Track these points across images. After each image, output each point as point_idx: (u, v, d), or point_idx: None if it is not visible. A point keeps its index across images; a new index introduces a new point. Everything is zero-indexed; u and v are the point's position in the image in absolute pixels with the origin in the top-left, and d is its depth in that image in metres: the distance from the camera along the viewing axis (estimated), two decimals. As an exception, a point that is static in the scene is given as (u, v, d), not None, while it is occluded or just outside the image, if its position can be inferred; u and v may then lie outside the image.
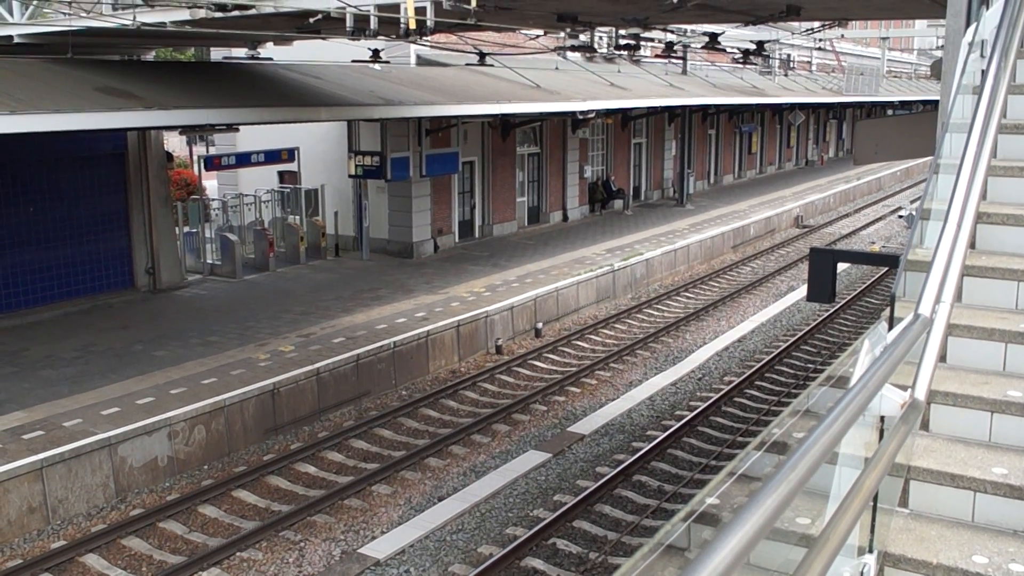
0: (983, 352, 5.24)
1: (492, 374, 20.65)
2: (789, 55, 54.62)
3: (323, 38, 19.99)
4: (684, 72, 42.01)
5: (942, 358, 5.10)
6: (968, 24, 7.12)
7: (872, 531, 3.92)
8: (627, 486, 15.16)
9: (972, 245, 5.53)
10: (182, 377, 17.38)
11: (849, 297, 27.34)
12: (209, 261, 26.91)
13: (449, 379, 20.36)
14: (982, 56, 6.38)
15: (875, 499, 3.73)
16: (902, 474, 4.50)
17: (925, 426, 4.96)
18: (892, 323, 4.23)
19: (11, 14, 18.74)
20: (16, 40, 19.20)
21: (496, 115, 28.19)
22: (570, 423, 18.01)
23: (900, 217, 39.32)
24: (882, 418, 3.84)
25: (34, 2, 18.42)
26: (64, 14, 18.07)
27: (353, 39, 16.76)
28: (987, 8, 6.96)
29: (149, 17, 16.86)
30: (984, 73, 5.66)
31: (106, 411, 15.57)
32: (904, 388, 3.80)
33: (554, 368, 21.44)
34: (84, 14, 17.49)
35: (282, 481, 15.50)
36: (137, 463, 14.94)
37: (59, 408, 15.75)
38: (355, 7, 14.59)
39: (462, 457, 16.52)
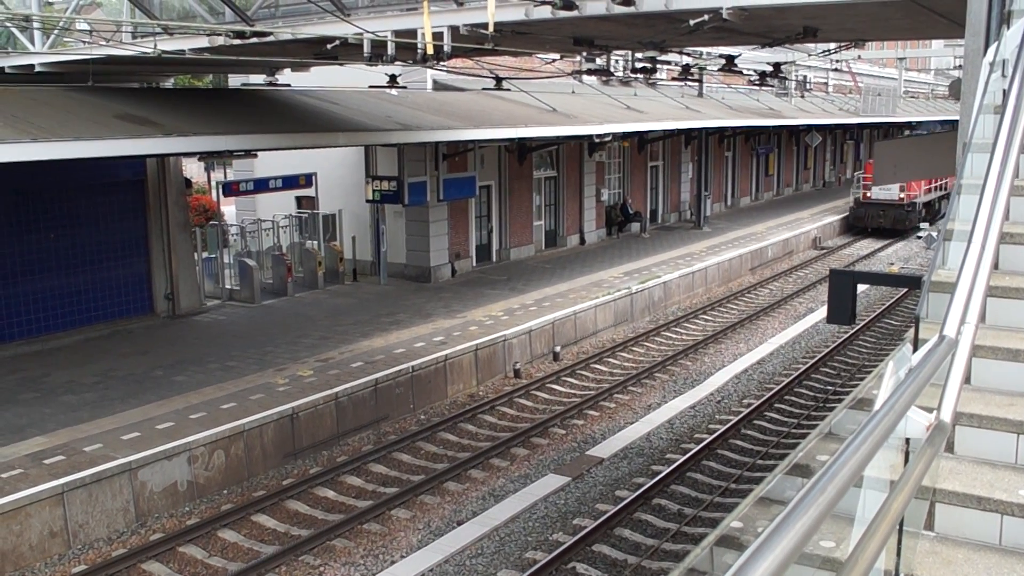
0: (1008, 373, 5.20)
1: (510, 398, 20.61)
2: (806, 76, 54.59)
3: (340, 64, 20.09)
4: (700, 94, 42.05)
5: (967, 379, 5.06)
6: (987, 44, 7.11)
7: (898, 554, 3.89)
8: (646, 510, 15.08)
9: (996, 265, 5.50)
10: (201, 402, 17.41)
11: (869, 319, 27.20)
12: (228, 286, 27.01)
13: (467, 403, 20.33)
14: (1003, 76, 6.36)
15: (901, 522, 3.70)
16: (928, 497, 4.46)
17: (950, 448, 4.92)
18: (917, 344, 4.21)
19: (33, 43, 18.92)
20: (37, 69, 19.37)
21: (513, 139, 28.27)
22: (589, 446, 17.94)
23: (919, 238, 39.23)
24: (907, 440, 3.81)
25: (55, 31, 18.59)
26: (84, 43, 18.26)
27: (370, 65, 16.85)
28: (1007, 27, 6.95)
29: (168, 45, 17.00)
30: (1006, 93, 5.64)
31: (126, 436, 15.60)
32: (929, 410, 3.77)
33: (572, 391, 21.38)
34: (104, 42, 17.65)
35: (301, 505, 15.48)
36: (157, 488, 14.96)
37: (80, 433, 15.80)
38: (372, 33, 14.68)
39: (481, 481, 16.47)
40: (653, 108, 34.94)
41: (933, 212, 45.31)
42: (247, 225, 29.35)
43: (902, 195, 42.47)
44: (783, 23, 14.67)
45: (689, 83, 36.21)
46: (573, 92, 33.41)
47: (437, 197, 28.32)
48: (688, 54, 26.54)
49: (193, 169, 40.69)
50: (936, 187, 45.75)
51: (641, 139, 38.32)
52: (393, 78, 21.41)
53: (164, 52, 16.46)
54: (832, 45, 20.26)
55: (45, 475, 13.99)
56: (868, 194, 43.24)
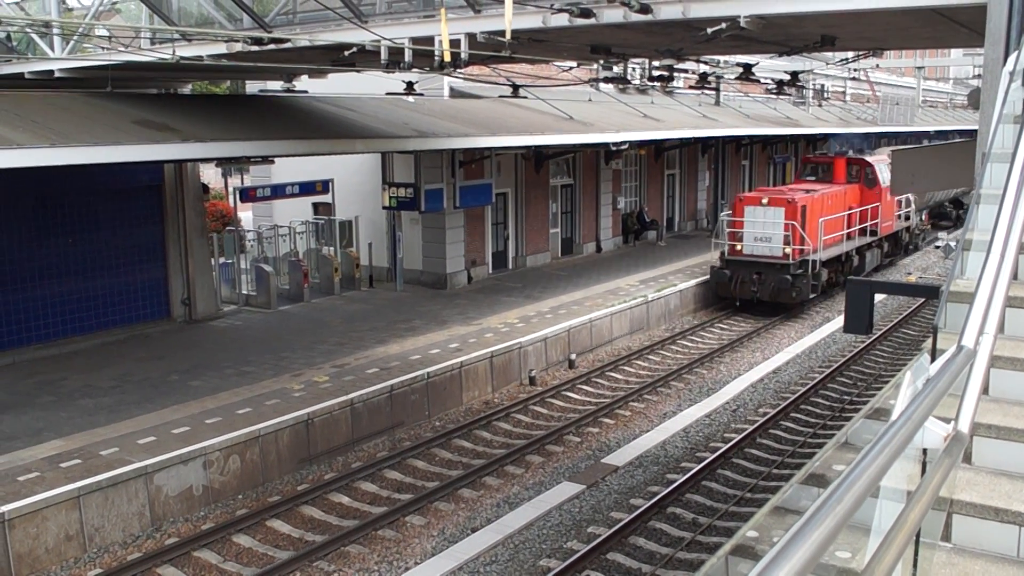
0: (1027, 384, 5.17)
1: (525, 405, 20.60)
2: (823, 85, 54.45)
3: (358, 71, 20.19)
4: (717, 103, 42.01)
5: (985, 390, 5.03)
6: (1007, 53, 7.08)
7: (915, 566, 3.87)
8: (661, 518, 15.03)
9: (1015, 276, 5.47)
10: (217, 407, 17.46)
11: (885, 328, 27.08)
12: (244, 292, 27.09)
13: (483, 410, 20.32)
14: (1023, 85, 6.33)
15: (918, 533, 3.68)
16: (945, 508, 4.44)
17: (968, 459, 4.89)
18: (935, 354, 4.19)
19: (52, 49, 19.04)
20: (57, 74, 19.49)
21: (529, 147, 28.29)
22: (604, 454, 17.91)
23: (937, 248, 38.94)
24: (924, 451, 3.79)
25: (75, 37, 18.70)
26: (104, 48, 18.36)
27: (387, 72, 16.90)
28: (1027, 37, 6.92)
29: (187, 51, 17.09)
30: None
31: (142, 440, 15.66)
32: (947, 420, 3.75)
33: (588, 399, 21.35)
34: (123, 48, 17.77)
35: (316, 511, 15.49)
36: (173, 492, 15.00)
37: (96, 437, 15.86)
38: (390, 40, 14.71)
39: (496, 488, 16.46)
40: (670, 116, 34.93)
41: (854, 270, 32.33)
42: (264, 231, 29.45)
43: (789, 248, 28.50)
44: (801, 31, 14.64)
45: (706, 91, 36.08)
46: (590, 100, 33.46)
47: (453, 204, 28.36)
48: (705, 62, 26.50)
49: (210, 175, 40.86)
50: (856, 233, 32.70)
51: (658, 147, 38.31)
52: (410, 85, 21.46)
53: (182, 58, 16.55)
54: (850, 54, 20.20)
55: (62, 478, 14.05)
56: (739, 247, 29.42)
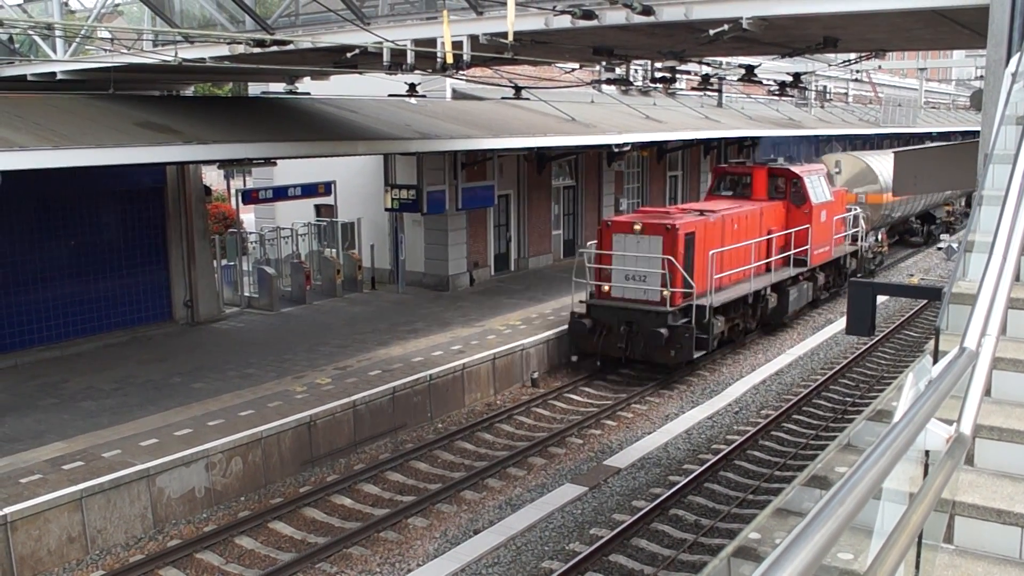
0: (1029, 386, 5.16)
1: (528, 407, 20.59)
2: (825, 87, 54.48)
3: (360, 73, 20.18)
4: (720, 104, 42.03)
5: (987, 392, 5.03)
6: (1009, 54, 7.07)
7: (917, 567, 3.86)
8: (663, 520, 15.02)
9: (1017, 277, 5.47)
10: (220, 409, 17.47)
11: (888, 330, 27.06)
12: (246, 294, 27.11)
13: (485, 412, 20.32)
14: (1025, 87, 6.33)
15: (920, 535, 3.68)
16: (947, 510, 4.43)
17: (970, 461, 4.89)
18: (937, 356, 4.19)
19: (55, 51, 19.07)
20: (59, 76, 19.54)
21: (532, 148, 28.30)
22: (606, 456, 17.90)
23: (939, 249, 38.81)
24: (927, 453, 3.79)
25: (77, 39, 18.73)
26: (106, 51, 18.38)
27: (390, 73, 16.92)
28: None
29: (189, 53, 17.11)
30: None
31: (145, 442, 15.66)
32: (949, 422, 3.75)
33: (590, 401, 21.34)
34: (125, 50, 17.77)
35: (318, 513, 15.49)
36: (175, 494, 15.00)
37: (99, 439, 15.87)
38: (392, 42, 14.72)
39: (498, 490, 16.45)
40: (672, 118, 34.94)
41: (770, 313, 26.13)
42: (266, 233, 29.47)
43: (668, 291, 21.83)
44: (803, 33, 14.65)
45: (708, 93, 36.19)
46: (592, 101, 33.47)
47: (456, 206, 28.38)
48: (708, 64, 26.55)
49: (212, 177, 40.91)
50: (778, 264, 26.54)
51: (660, 149, 38.29)
52: (412, 87, 21.48)
53: (185, 60, 16.58)
54: (852, 55, 20.20)
55: (64, 480, 14.05)
56: (607, 288, 22.81)
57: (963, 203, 47.30)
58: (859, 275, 31.67)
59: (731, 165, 30.55)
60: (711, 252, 22.35)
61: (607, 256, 22.70)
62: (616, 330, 22.06)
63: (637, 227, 22.11)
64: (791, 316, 27.47)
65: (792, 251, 26.62)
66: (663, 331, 21.38)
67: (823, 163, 32.83)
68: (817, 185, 28.16)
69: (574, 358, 23.12)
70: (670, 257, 21.65)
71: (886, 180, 34.02)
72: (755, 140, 41.97)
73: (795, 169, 27.83)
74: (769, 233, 26.00)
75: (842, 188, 32.21)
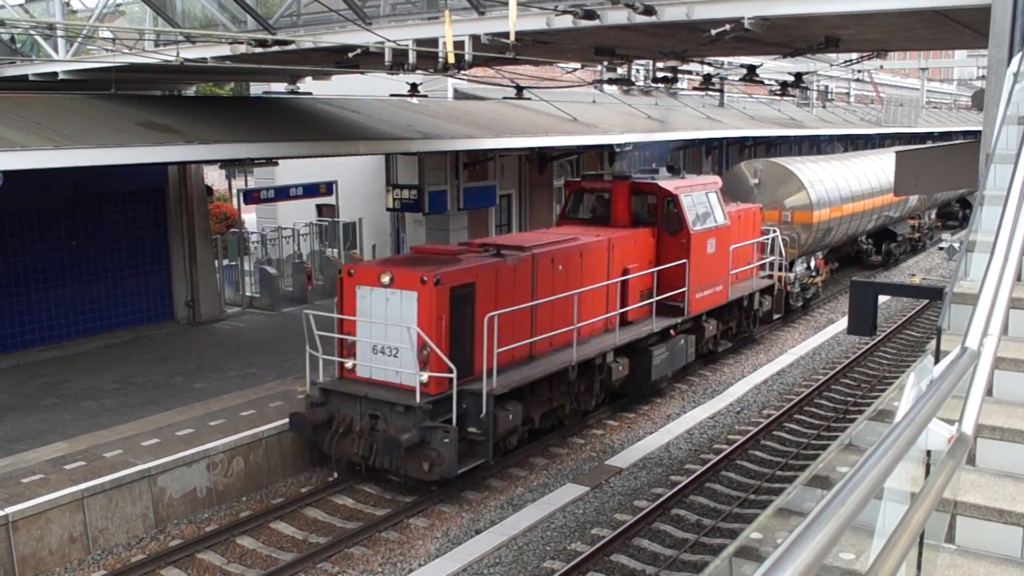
0: (1031, 386, 5.16)
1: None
2: (827, 87, 54.50)
3: (361, 73, 20.19)
4: (721, 104, 42.02)
5: (989, 392, 5.03)
6: (1011, 54, 7.07)
7: (919, 567, 3.86)
8: (665, 520, 15.02)
9: (1019, 277, 5.47)
10: (221, 409, 17.47)
11: (890, 330, 27.05)
12: (248, 294, 27.12)
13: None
14: (1027, 86, 6.33)
15: (921, 535, 3.68)
16: (948, 509, 4.43)
17: (971, 460, 4.89)
18: (938, 356, 4.19)
19: (56, 51, 19.08)
20: (61, 76, 19.54)
21: (533, 148, 28.30)
22: (608, 456, 17.90)
23: (940, 249, 38.74)
24: (928, 452, 3.79)
25: (79, 39, 18.74)
26: (107, 51, 18.39)
27: (391, 73, 16.91)
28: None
29: (191, 53, 17.11)
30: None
31: (146, 442, 15.67)
32: (951, 422, 3.75)
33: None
34: (127, 50, 17.78)
35: (320, 513, 15.49)
36: (176, 494, 15.00)
37: (100, 439, 15.87)
38: (394, 42, 14.72)
39: (499, 490, 16.45)
40: (674, 118, 34.92)
41: (633, 377, 19.47)
42: (267, 233, 29.49)
43: (427, 373, 15.11)
44: (804, 33, 14.64)
45: (710, 93, 36.16)
46: (594, 101, 33.47)
47: (457, 206, 28.38)
48: (709, 64, 26.54)
49: (214, 177, 40.93)
50: (636, 313, 19.95)
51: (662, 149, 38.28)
52: (414, 87, 21.49)
53: (186, 60, 16.58)
54: (854, 55, 20.19)
55: (65, 480, 14.06)
56: (350, 364, 16.40)
57: (932, 216, 42.08)
58: (776, 316, 26.70)
59: (587, 179, 22.95)
60: (487, 315, 15.41)
61: (350, 322, 16.35)
62: (360, 423, 15.59)
63: (385, 278, 15.59)
64: (665, 382, 21.33)
65: (660, 296, 20.17)
66: (405, 436, 14.61)
67: (716, 177, 24.60)
68: (701, 205, 21.40)
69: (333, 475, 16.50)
70: (416, 328, 15.02)
71: (819, 193, 28.78)
72: (755, 140, 42.00)
73: (667, 185, 20.73)
74: (624, 273, 19.52)
75: (755, 205, 25.93)
